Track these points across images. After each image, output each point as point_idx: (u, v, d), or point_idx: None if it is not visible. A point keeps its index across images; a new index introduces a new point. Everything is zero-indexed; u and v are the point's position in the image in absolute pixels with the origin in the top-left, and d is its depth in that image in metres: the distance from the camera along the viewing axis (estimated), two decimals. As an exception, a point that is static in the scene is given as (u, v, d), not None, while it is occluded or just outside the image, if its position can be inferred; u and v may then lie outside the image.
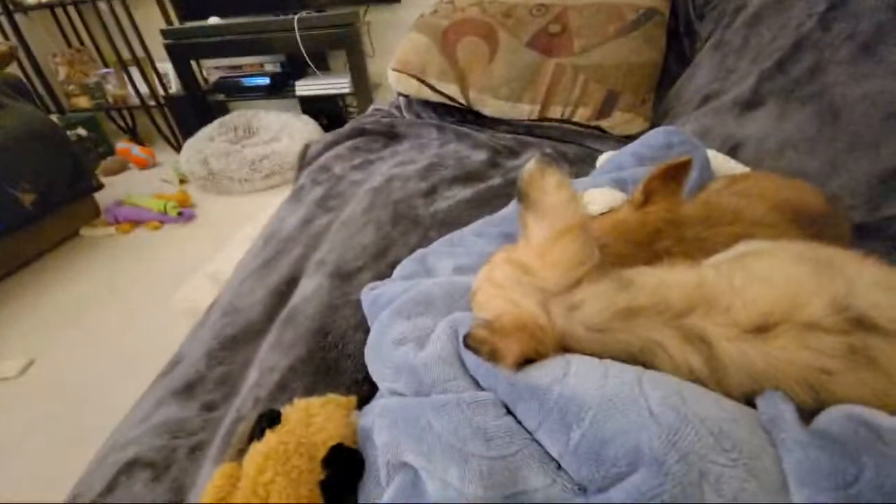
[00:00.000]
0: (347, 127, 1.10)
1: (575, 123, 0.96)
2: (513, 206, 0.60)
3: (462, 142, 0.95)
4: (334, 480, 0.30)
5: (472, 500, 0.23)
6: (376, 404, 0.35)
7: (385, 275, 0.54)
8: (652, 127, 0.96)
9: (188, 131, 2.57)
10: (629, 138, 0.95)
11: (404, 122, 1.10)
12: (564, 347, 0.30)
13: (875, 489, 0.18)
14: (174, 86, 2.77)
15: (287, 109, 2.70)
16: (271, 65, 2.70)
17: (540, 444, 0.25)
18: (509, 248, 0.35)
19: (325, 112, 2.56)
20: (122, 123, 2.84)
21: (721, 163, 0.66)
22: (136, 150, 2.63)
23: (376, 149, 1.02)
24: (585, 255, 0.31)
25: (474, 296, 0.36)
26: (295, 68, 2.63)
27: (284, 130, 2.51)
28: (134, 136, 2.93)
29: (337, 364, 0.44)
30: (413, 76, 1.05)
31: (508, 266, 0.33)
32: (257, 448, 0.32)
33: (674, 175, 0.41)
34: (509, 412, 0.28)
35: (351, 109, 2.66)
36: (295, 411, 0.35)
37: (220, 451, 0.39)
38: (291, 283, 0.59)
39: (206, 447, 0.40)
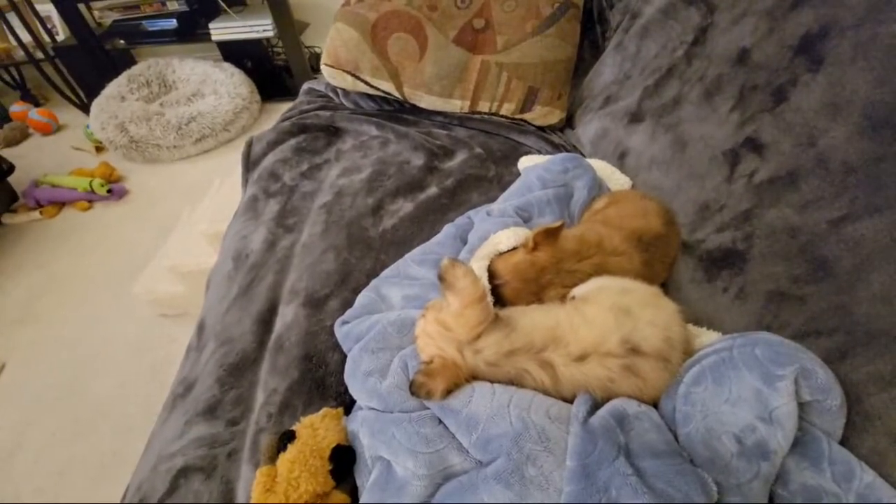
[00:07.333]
0: (288, 123, 1.12)
1: (502, 116, 1.07)
2: (444, 230, 0.74)
3: (401, 142, 1.03)
4: (338, 469, 0.49)
5: (422, 478, 0.43)
6: (358, 414, 0.53)
7: (349, 300, 0.68)
8: (568, 117, 1.10)
9: (89, 86, 2.28)
10: (549, 128, 1.09)
11: (344, 115, 1.13)
12: (473, 376, 0.48)
13: (600, 460, 0.39)
14: (62, 32, 2.39)
15: (205, 56, 2.42)
16: (175, 3, 2.37)
17: (458, 440, 0.45)
18: (436, 307, 0.51)
19: (250, 55, 2.32)
20: (8, 79, 2.48)
21: (608, 174, 0.83)
22: (35, 113, 2.34)
23: (320, 148, 1.07)
24: (484, 318, 0.48)
25: (416, 340, 0.52)
26: (205, 6, 2.33)
27: (206, 84, 2.28)
28: (25, 93, 2.56)
29: (323, 381, 0.61)
30: (347, 72, 1.07)
31: (436, 324, 0.50)
32: (284, 457, 0.49)
33: (551, 232, 0.58)
34: (440, 422, 0.46)
35: (278, 50, 2.45)
36: (303, 427, 0.52)
37: (251, 455, 0.56)
38: (272, 310, 0.72)
39: (239, 452, 0.57)
